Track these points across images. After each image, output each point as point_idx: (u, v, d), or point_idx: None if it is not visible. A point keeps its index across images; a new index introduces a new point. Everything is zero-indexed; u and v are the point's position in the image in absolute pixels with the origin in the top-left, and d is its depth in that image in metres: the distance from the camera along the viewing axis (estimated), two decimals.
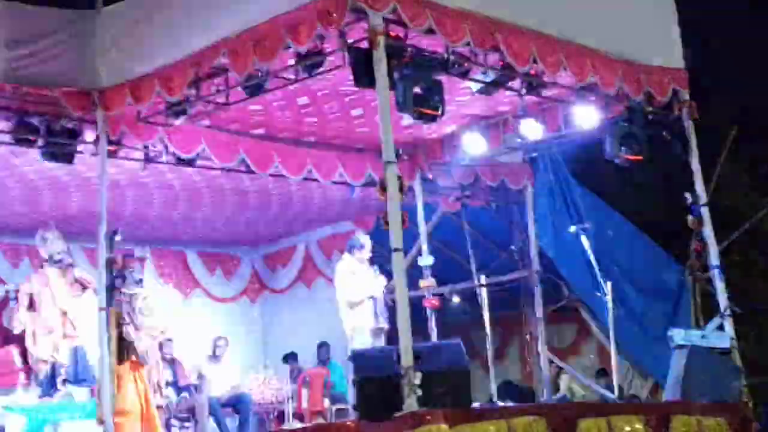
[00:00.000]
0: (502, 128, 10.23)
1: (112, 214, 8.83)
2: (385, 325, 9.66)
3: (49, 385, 9.94)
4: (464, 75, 8.32)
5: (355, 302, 9.67)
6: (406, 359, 6.35)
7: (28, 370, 10.50)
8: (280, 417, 12.03)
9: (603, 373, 11.99)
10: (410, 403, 6.27)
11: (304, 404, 11.75)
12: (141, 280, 9.74)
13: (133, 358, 9.29)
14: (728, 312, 8.95)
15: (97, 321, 8.54)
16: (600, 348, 12.62)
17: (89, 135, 8.93)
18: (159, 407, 9.73)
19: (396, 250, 6.60)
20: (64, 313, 10.28)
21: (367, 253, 10.10)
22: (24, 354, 10.74)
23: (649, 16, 9.32)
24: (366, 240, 10.33)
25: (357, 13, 6.97)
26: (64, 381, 9.91)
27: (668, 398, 8.69)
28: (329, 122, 9.96)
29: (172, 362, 11.54)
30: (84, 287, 10.24)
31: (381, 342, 9.58)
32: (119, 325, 8.96)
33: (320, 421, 11.08)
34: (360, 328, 9.62)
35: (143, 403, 9.32)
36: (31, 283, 10.47)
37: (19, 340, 10.76)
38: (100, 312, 8.48)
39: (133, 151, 9.52)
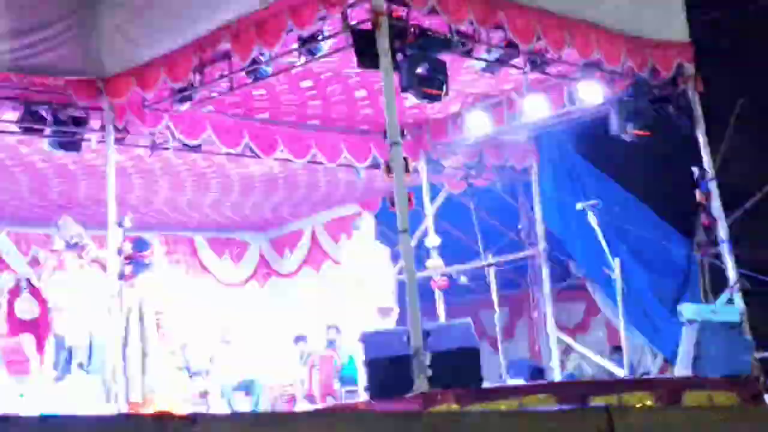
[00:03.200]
0: (507, 107, 10.21)
1: (120, 201, 8.86)
2: (392, 305, 9.67)
3: (66, 368, 10.03)
4: (468, 54, 8.30)
5: (361, 281, 9.69)
6: (416, 340, 6.37)
7: (43, 356, 10.59)
8: (291, 400, 12.08)
9: (617, 349, 11.98)
10: (420, 383, 6.29)
11: (314, 387, 11.80)
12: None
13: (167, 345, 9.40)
14: (738, 286, 8.95)
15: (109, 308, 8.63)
16: (608, 325, 12.62)
17: (96, 123, 8.94)
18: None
19: (403, 231, 6.60)
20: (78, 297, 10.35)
21: (367, 233, 10.10)
22: (40, 341, 10.83)
23: None
24: (363, 220, 10.33)
25: None
26: (80, 364, 10.00)
27: (679, 374, 8.70)
28: (333, 105, 9.95)
29: (183, 347, 11.58)
30: (104, 267, 10.26)
31: (390, 322, 9.59)
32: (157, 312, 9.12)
33: (331, 402, 11.12)
34: (366, 308, 9.65)
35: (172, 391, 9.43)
36: (49, 269, 10.60)
37: (33, 327, 10.82)
38: (111, 298, 8.54)
39: (140, 137, 9.54)
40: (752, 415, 1.85)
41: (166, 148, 9.72)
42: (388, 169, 6.83)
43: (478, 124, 10.42)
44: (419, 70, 7.44)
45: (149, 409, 8.93)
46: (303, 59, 8.06)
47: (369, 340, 7.60)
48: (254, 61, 8.04)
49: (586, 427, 1.79)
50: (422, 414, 1.91)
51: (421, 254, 10.58)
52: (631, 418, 1.81)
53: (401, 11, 7.24)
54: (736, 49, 13.17)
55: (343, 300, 10.41)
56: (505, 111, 10.28)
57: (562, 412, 1.91)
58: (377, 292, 9.67)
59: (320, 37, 7.71)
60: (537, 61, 8.77)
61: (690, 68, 9.26)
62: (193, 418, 1.76)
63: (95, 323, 10.19)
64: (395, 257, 8.72)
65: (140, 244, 9.81)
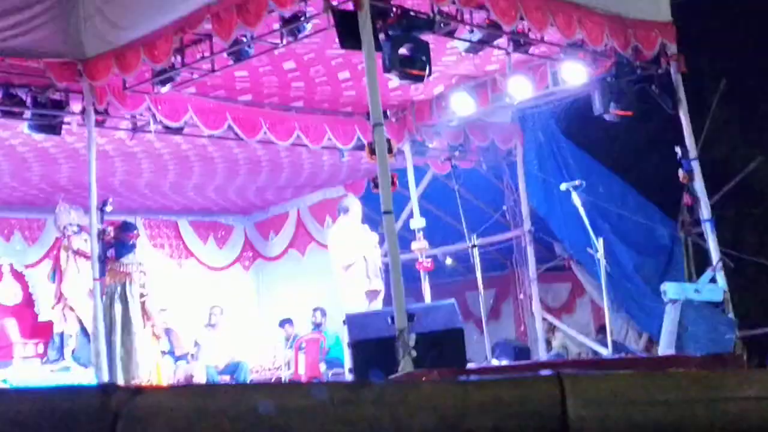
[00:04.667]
0: (491, 87, 10.19)
1: (101, 185, 8.81)
2: (380, 287, 9.64)
3: (59, 353, 10.00)
4: (451, 34, 8.27)
5: (347, 264, 9.64)
6: (401, 321, 6.37)
7: (27, 342, 10.56)
8: (277, 383, 12.09)
9: (601, 329, 12.03)
10: (405, 365, 6.29)
11: (301, 370, 11.81)
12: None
13: (152, 327, 9.40)
14: (720, 265, 8.99)
15: (91, 292, 8.60)
16: (594, 306, 12.67)
17: (76, 106, 8.87)
18: None
19: (387, 212, 6.59)
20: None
21: (355, 216, 10.04)
22: (24, 326, 10.78)
23: None
24: (351, 203, 10.26)
25: None
26: (72, 351, 9.98)
27: (663, 352, 8.75)
28: (316, 86, 9.90)
29: (167, 331, 11.56)
30: (86, 257, 10.23)
31: (377, 305, 9.56)
32: (142, 295, 9.12)
33: None
34: (354, 291, 9.60)
35: (156, 374, 9.42)
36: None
37: (16, 312, 10.76)
38: (94, 283, 8.50)
39: (121, 120, 9.47)
40: (704, 379, 1.86)
41: (148, 131, 9.65)
42: (372, 151, 6.81)
43: (462, 105, 10.39)
44: (402, 51, 7.41)
45: None
46: (285, 40, 8.01)
47: (354, 321, 7.61)
48: (236, 42, 7.98)
49: (536, 393, 1.79)
50: (372, 383, 1.90)
51: (406, 236, 10.57)
52: (583, 385, 1.80)
53: None
54: (719, 28, 13.19)
55: (328, 282, 10.35)
56: (489, 92, 10.25)
57: (512, 379, 1.90)
58: (364, 274, 9.60)
59: (302, 18, 7.66)
60: (520, 42, 8.75)
61: (673, 48, 9.26)
62: (136, 389, 1.77)
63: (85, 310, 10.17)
64: (383, 239, 8.67)
65: (126, 226, 9.77)
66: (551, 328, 12.23)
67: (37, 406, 1.71)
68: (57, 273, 10.24)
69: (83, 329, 9.99)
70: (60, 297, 10.06)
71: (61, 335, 10.02)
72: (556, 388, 1.78)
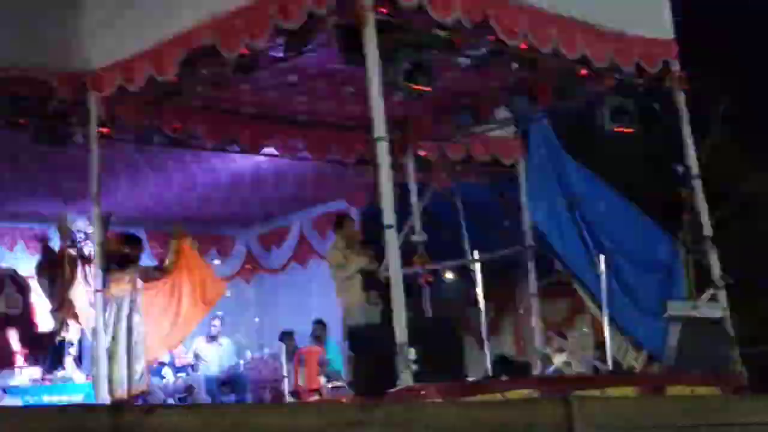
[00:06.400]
0: (493, 104, 10.23)
1: (105, 196, 8.83)
2: (378, 301, 9.65)
3: (55, 362, 10.01)
4: (454, 51, 8.30)
5: (344, 277, 9.67)
6: (401, 335, 6.39)
7: (27, 351, 10.57)
8: (277, 395, 12.07)
9: (601, 345, 12.00)
10: (405, 379, 6.31)
11: (300, 382, 11.80)
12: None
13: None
14: (721, 283, 9.00)
15: (95, 303, 8.62)
16: (594, 322, 12.66)
17: (80, 117, 8.89)
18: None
19: (389, 227, 6.62)
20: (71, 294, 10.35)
21: (351, 229, 10.07)
22: (24, 335, 10.80)
23: None
24: (346, 217, 10.30)
25: None
26: (74, 360, 9.99)
27: (662, 369, 8.76)
28: (320, 100, 9.95)
29: None
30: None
31: (375, 318, 9.57)
32: None
33: (316, 398, 11.13)
34: (353, 304, 9.63)
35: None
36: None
37: (19, 321, 10.77)
38: (96, 294, 8.52)
39: (125, 132, 9.50)
40: (709, 404, 1.89)
41: (152, 143, 9.69)
42: (375, 166, 6.84)
43: (464, 121, 10.42)
44: (405, 67, 7.45)
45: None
46: (290, 54, 8.06)
47: (354, 335, 7.63)
48: (241, 56, 8.02)
49: (544, 416, 1.82)
50: (380, 405, 1.93)
51: (407, 250, 10.58)
52: (589, 408, 1.83)
53: (388, 7, 7.24)
54: (722, 46, 13.24)
55: (329, 296, 10.37)
56: (492, 108, 10.29)
57: (520, 402, 1.94)
58: (359, 285, 9.62)
59: (307, 33, 7.70)
60: (523, 58, 8.79)
61: (675, 65, 9.30)
62: (147, 409, 1.79)
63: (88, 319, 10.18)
64: (383, 253, 8.71)
65: (130, 239, 9.79)
66: (558, 348, 12.21)
67: (48, 424, 1.74)
68: (60, 280, 10.26)
69: (86, 338, 10.01)
70: (64, 303, 10.06)
71: (62, 344, 10.03)
72: (563, 410, 1.80)
